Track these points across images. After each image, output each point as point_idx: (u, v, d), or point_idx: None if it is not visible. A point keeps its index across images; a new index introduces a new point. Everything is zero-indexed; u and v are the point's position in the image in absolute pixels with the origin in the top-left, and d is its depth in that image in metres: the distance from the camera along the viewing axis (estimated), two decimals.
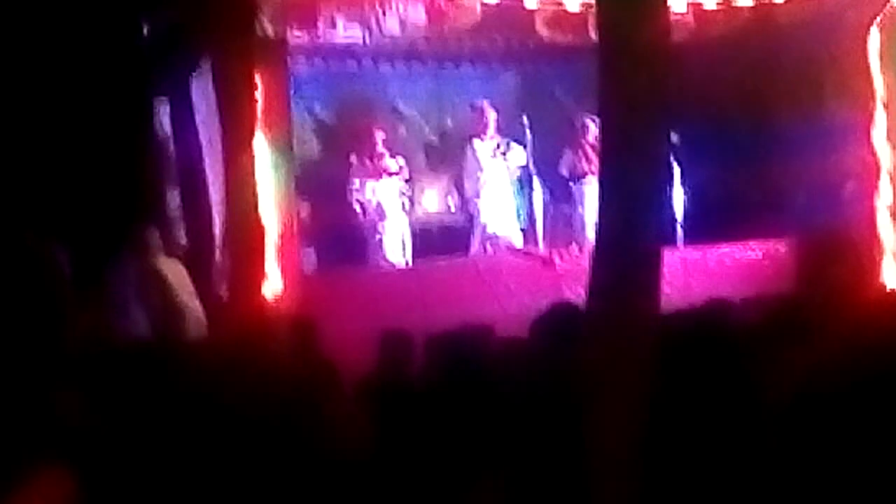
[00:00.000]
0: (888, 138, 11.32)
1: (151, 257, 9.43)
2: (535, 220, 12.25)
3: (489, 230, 12.63)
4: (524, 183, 12.71)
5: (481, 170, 12.68)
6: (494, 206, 12.69)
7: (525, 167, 12.55)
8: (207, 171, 9.75)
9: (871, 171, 11.37)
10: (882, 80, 11.28)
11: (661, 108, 4.30)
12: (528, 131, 12.43)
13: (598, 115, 4.56)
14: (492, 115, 12.75)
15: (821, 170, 11.24)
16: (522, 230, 12.76)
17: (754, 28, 11.32)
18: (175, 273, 9.46)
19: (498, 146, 12.68)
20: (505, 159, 12.66)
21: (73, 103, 9.67)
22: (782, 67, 11.69)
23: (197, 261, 9.73)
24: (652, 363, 4.30)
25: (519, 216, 12.81)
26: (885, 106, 11.29)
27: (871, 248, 11.26)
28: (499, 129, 12.77)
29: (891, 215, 11.36)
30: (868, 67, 11.27)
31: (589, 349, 4.30)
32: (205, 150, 9.76)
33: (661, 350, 4.54)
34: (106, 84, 9.70)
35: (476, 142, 12.73)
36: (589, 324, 4.35)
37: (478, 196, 12.72)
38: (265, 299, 9.31)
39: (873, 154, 11.35)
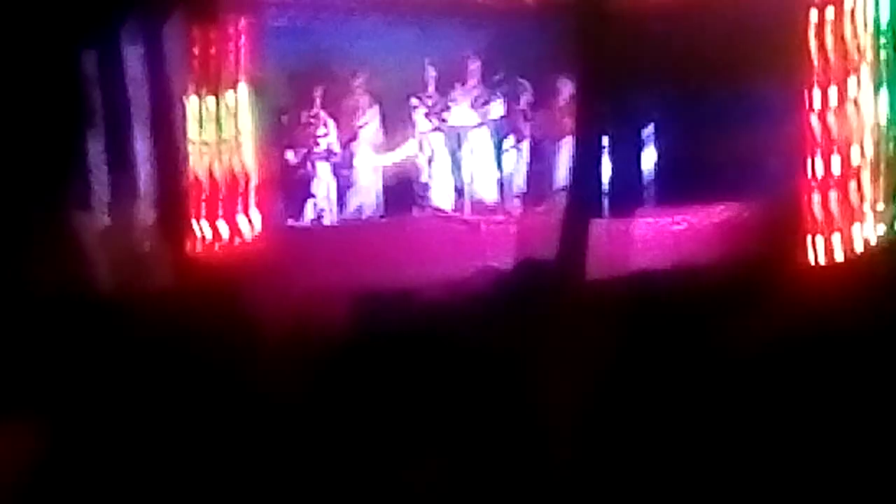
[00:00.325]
0: (820, 115, 11.35)
1: (75, 211, 9.36)
2: (463, 185, 12.29)
3: (427, 192, 12.72)
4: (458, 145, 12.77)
5: (417, 130, 12.76)
6: (433, 167, 12.80)
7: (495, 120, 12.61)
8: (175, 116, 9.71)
9: (805, 146, 11.42)
10: (818, 57, 11.31)
11: (632, 72, 4.37)
12: (503, 88, 12.46)
13: (571, 76, 4.62)
14: (476, 65, 12.78)
15: (756, 143, 11.29)
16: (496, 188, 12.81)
17: None
18: (98, 228, 9.41)
19: (435, 104, 12.74)
20: (442, 119, 12.74)
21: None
22: (757, 31, 11.70)
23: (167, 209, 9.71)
24: (614, 323, 4.38)
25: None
26: (819, 83, 11.32)
27: (801, 223, 11.33)
28: (480, 84, 12.80)
29: (820, 191, 11.42)
30: (824, 42, 11.31)
31: (551, 308, 4.38)
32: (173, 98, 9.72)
33: (625, 312, 4.62)
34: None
35: (413, 100, 12.79)
36: (523, 288, 4.42)
37: (416, 157, 12.80)
38: (240, 245, 9.32)
39: (809, 130, 11.39)
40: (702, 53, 12.02)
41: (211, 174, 9.05)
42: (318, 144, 12.36)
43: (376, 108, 12.85)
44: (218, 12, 9.04)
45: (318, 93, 12.51)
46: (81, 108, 9.76)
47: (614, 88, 4.51)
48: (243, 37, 9.73)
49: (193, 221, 9.22)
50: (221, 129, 9.04)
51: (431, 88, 12.79)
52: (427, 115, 12.72)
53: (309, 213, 12.25)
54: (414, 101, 12.79)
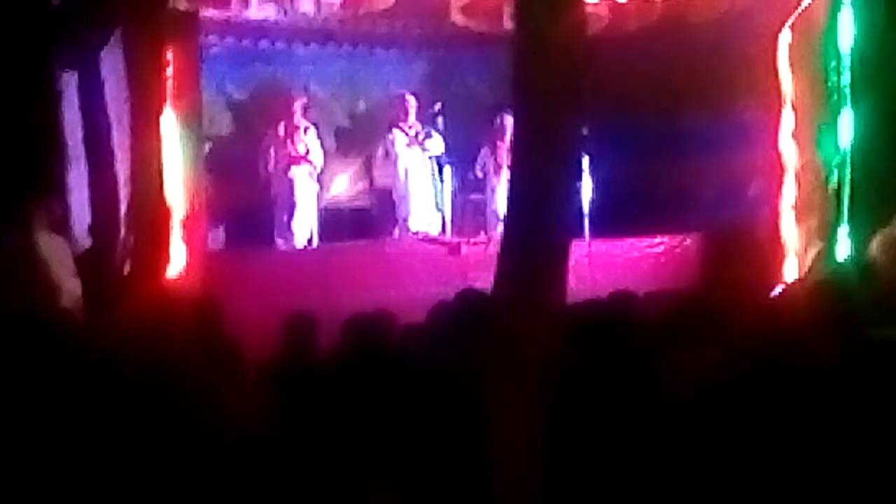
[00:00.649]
0: (794, 139, 11.45)
1: (32, 233, 9.25)
2: (444, 209, 12.28)
3: (408, 217, 12.65)
4: (435, 171, 12.76)
5: (399, 158, 12.70)
6: (413, 193, 12.70)
7: (437, 156, 12.61)
8: (115, 147, 9.60)
9: (777, 170, 11.50)
10: (791, 81, 11.41)
11: (574, 101, 4.31)
12: (440, 119, 12.48)
13: (511, 106, 4.56)
14: (412, 103, 12.77)
15: (727, 168, 11.35)
16: (429, 217, 12.80)
17: (667, 23, 11.39)
18: (55, 250, 9.28)
19: (417, 134, 12.72)
20: (424, 148, 12.69)
21: None
22: (694, 64, 11.76)
23: (101, 237, 9.59)
24: (556, 353, 4.33)
25: (436, 204, 12.86)
26: (793, 106, 11.42)
27: (774, 248, 11.40)
28: (418, 117, 12.79)
29: (794, 215, 11.50)
30: (778, 67, 11.39)
31: (494, 338, 4.32)
32: (113, 126, 9.61)
33: (566, 341, 4.57)
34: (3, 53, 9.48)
35: (396, 130, 12.75)
36: (495, 313, 4.38)
37: (397, 184, 12.74)
38: (169, 278, 9.24)
39: (779, 154, 11.47)
40: (650, 81, 12.10)
41: (148, 201, 8.92)
42: (301, 167, 12.26)
43: (324, 133, 12.81)
44: (155, 38, 8.93)
45: (265, 118, 12.45)
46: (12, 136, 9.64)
47: (591, 111, 4.47)
48: (182, 62, 9.61)
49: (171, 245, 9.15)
50: (158, 156, 8.92)
51: (412, 117, 12.74)
52: (410, 143, 12.69)
53: (285, 238, 12.19)
54: (396, 130, 12.75)
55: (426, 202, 12.77)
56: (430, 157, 12.80)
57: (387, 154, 12.85)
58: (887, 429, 4.65)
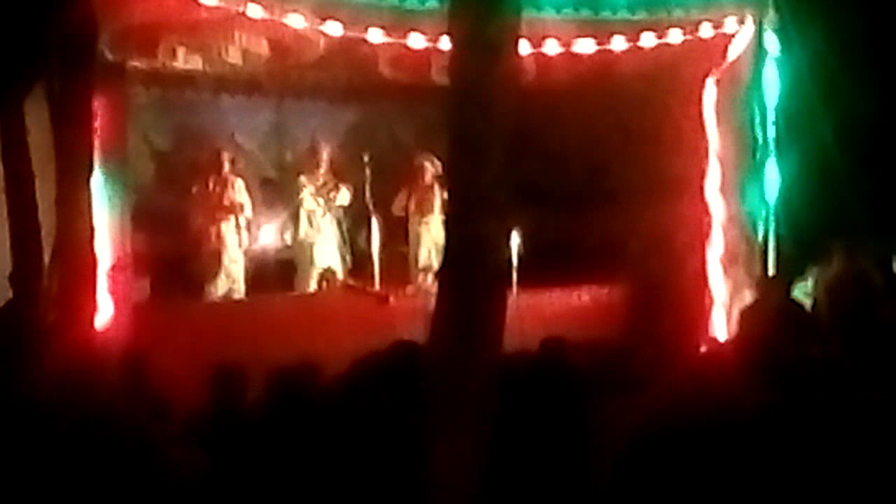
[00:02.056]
0: (721, 191, 11.57)
1: None
2: (371, 258, 12.25)
3: (319, 266, 12.63)
4: (360, 221, 12.75)
5: (303, 205, 12.70)
6: (321, 243, 12.68)
7: (361, 204, 12.61)
8: (38, 196, 9.48)
9: (703, 222, 11.61)
10: (716, 134, 11.54)
11: (506, 152, 4.33)
12: (367, 169, 12.48)
13: (445, 156, 4.56)
14: (324, 154, 12.79)
15: (654, 219, 11.43)
16: (354, 268, 12.79)
17: (594, 77, 11.46)
18: None
19: (325, 184, 12.72)
20: (329, 199, 12.70)
21: None
22: (621, 117, 11.86)
23: (22, 287, 9.46)
24: (493, 402, 4.32)
25: (343, 255, 12.84)
26: (719, 159, 11.55)
27: (701, 299, 11.49)
28: (330, 169, 12.79)
29: (721, 267, 11.60)
30: (704, 120, 11.53)
31: (431, 387, 4.30)
32: (36, 176, 9.50)
33: (499, 388, 4.56)
34: None
35: (302, 178, 12.73)
36: (431, 362, 4.36)
37: (305, 233, 12.72)
38: (95, 330, 9.12)
39: (706, 206, 11.58)
40: (576, 134, 12.18)
41: (75, 250, 8.81)
42: (228, 218, 12.19)
43: (250, 184, 12.77)
44: (82, 87, 8.85)
45: (190, 168, 12.40)
46: None
47: (495, 167, 4.45)
48: (109, 112, 9.53)
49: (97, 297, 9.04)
50: (85, 206, 8.82)
51: (324, 168, 12.73)
52: (318, 193, 12.68)
53: (212, 290, 12.10)
54: (303, 179, 12.69)
55: (329, 252, 12.75)
56: (338, 208, 12.81)
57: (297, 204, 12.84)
58: (816, 481, 4.67)
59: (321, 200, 12.72)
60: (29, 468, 4.77)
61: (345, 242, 12.95)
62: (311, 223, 12.72)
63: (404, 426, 4.68)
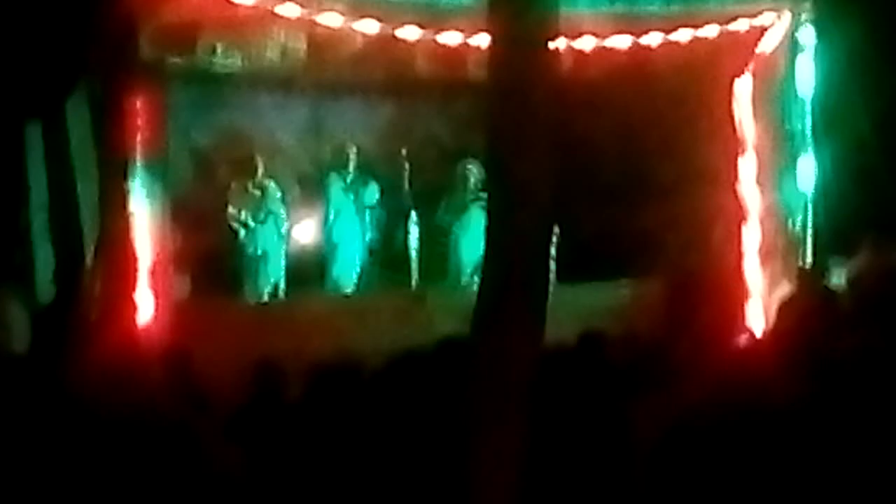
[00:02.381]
0: (757, 183, 11.55)
1: None
2: (410, 255, 12.30)
3: (348, 264, 12.68)
4: (398, 217, 12.80)
5: (333, 203, 12.76)
6: (348, 240, 12.74)
7: (398, 201, 12.65)
8: (80, 196, 9.59)
9: (740, 215, 11.60)
10: (752, 127, 11.52)
11: (546, 147, 4.37)
12: (405, 164, 12.53)
13: (484, 152, 4.61)
14: (353, 150, 12.83)
15: (691, 213, 11.44)
16: (397, 265, 12.82)
17: (629, 71, 11.47)
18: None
19: (352, 182, 12.77)
20: (357, 196, 12.75)
21: None
22: (656, 111, 11.85)
23: (65, 286, 9.57)
24: (532, 396, 4.36)
25: (370, 252, 12.89)
26: (756, 151, 11.53)
27: (738, 291, 11.48)
28: (358, 166, 12.85)
29: (758, 259, 11.59)
30: (739, 113, 11.51)
31: (472, 380, 4.35)
32: (78, 175, 9.61)
33: (538, 384, 4.60)
34: None
35: (333, 175, 12.79)
36: (473, 356, 4.40)
37: (332, 230, 12.78)
38: (137, 327, 9.20)
39: (743, 198, 11.57)
40: (613, 128, 12.18)
41: (117, 249, 8.91)
42: (266, 216, 12.27)
43: (288, 181, 12.85)
44: (123, 87, 8.94)
45: (229, 166, 12.48)
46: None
47: (535, 162, 4.47)
48: (148, 111, 9.61)
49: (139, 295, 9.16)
50: (126, 205, 8.92)
51: (351, 165, 12.80)
52: (346, 190, 12.74)
53: (251, 287, 12.18)
54: (333, 175, 12.76)
55: (352, 250, 12.80)
56: (364, 207, 12.85)
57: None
58: (859, 469, 4.69)
59: (351, 196, 12.75)
60: (74, 464, 4.84)
61: (365, 241, 12.98)
62: (333, 220, 12.77)
63: (446, 421, 4.72)
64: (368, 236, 12.93)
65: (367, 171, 12.97)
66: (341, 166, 12.88)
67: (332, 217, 12.77)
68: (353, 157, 12.87)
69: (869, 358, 5.87)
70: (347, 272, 12.67)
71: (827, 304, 9.10)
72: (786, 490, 4.76)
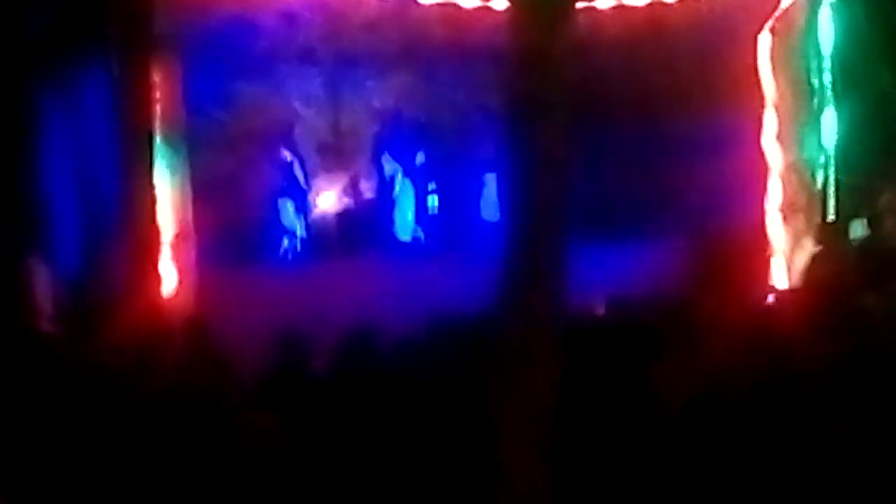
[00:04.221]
0: (778, 140, 11.50)
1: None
2: (428, 222, 12.30)
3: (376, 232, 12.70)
4: (418, 184, 12.80)
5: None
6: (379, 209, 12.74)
7: (419, 168, 12.64)
8: (101, 170, 9.59)
9: (762, 172, 11.55)
10: (773, 83, 11.46)
11: (567, 110, 4.35)
12: (425, 132, 12.53)
13: (505, 116, 4.59)
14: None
15: (712, 171, 11.39)
16: (416, 231, 12.83)
17: (648, 30, 11.41)
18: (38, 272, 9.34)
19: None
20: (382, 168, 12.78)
21: None
22: (676, 70, 11.79)
23: (89, 258, 9.60)
24: (558, 360, 4.35)
25: (400, 220, 12.89)
26: (776, 108, 11.48)
27: (761, 248, 11.45)
28: (400, 131, 12.83)
29: (781, 216, 11.55)
30: (759, 70, 11.45)
31: (498, 344, 4.35)
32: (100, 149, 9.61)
33: (566, 347, 4.60)
34: None
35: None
36: (497, 322, 4.40)
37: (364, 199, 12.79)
38: (161, 298, 9.23)
39: (763, 156, 11.53)
40: (631, 88, 12.13)
41: (139, 222, 8.93)
42: (287, 186, 12.26)
43: (308, 150, 12.85)
44: (141, 61, 8.94)
45: (246, 137, 12.47)
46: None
47: (557, 126, 4.45)
48: (166, 84, 9.61)
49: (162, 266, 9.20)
50: (148, 177, 8.95)
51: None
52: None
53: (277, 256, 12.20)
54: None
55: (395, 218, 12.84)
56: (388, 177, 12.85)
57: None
58: (884, 430, 4.67)
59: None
60: (103, 434, 4.86)
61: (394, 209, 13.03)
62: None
63: (472, 385, 4.72)
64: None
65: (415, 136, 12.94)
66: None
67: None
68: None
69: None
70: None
71: (851, 259, 9.09)
72: (814, 452, 4.76)
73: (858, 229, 10.54)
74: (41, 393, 5.13)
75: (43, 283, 9.29)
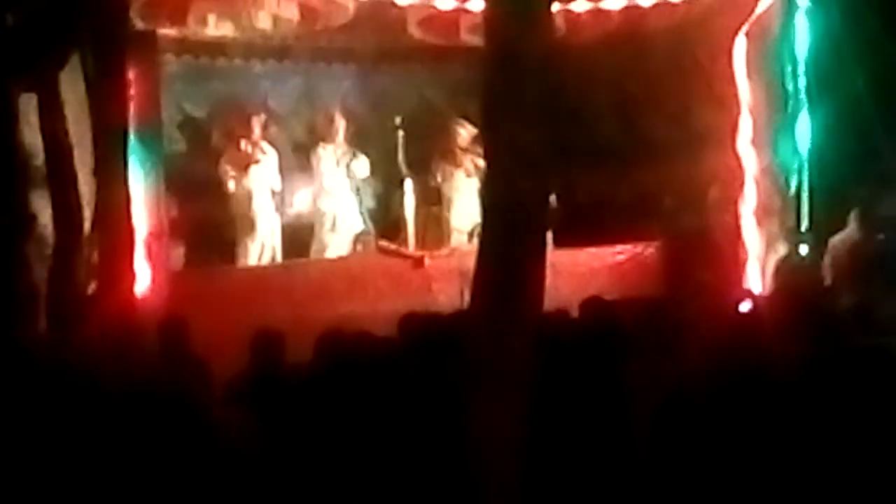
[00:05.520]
0: (753, 144, 11.54)
1: None
2: (405, 221, 12.27)
3: (343, 233, 12.61)
4: (394, 184, 12.75)
5: (324, 176, 12.65)
6: (338, 211, 12.67)
7: (394, 167, 12.60)
8: (77, 167, 9.56)
9: (736, 176, 11.59)
10: (748, 87, 11.50)
11: (540, 110, 4.35)
12: (399, 131, 12.48)
13: (480, 117, 4.60)
14: (341, 123, 12.72)
15: (687, 174, 11.43)
16: (388, 231, 12.78)
17: (623, 33, 11.44)
18: None
19: (343, 154, 12.67)
20: (347, 169, 12.64)
21: None
22: (651, 72, 11.81)
23: (64, 257, 9.56)
24: (533, 361, 4.36)
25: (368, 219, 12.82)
26: (751, 112, 11.51)
27: (735, 253, 11.49)
28: (346, 138, 12.74)
29: (755, 220, 11.59)
30: (734, 74, 11.49)
31: (473, 348, 4.35)
32: (75, 147, 9.57)
33: (540, 348, 4.60)
34: None
35: (320, 148, 12.70)
36: (473, 323, 4.41)
37: (322, 201, 12.69)
38: (135, 297, 9.21)
39: (738, 159, 11.57)
40: (607, 90, 12.16)
41: (113, 220, 8.91)
42: (262, 184, 12.20)
43: (283, 150, 12.77)
44: (115, 57, 8.92)
45: (223, 135, 12.41)
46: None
47: (532, 127, 4.46)
48: (141, 81, 9.59)
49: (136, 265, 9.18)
50: (122, 175, 8.93)
51: (341, 137, 12.70)
52: (336, 163, 12.65)
53: (247, 255, 12.11)
54: (321, 148, 12.67)
55: (343, 223, 12.73)
56: (356, 179, 12.75)
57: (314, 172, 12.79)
58: (858, 434, 4.69)
59: (341, 170, 12.65)
60: (74, 434, 4.84)
61: (377, 206, 12.96)
62: (329, 191, 12.67)
63: (449, 388, 4.72)
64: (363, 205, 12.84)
65: (358, 142, 12.86)
66: (329, 139, 12.75)
67: (323, 187, 12.67)
68: (341, 129, 12.76)
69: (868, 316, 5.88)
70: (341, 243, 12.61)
71: (825, 263, 9.14)
72: (787, 454, 4.77)
73: (833, 234, 10.61)
74: (14, 393, 5.11)
75: (19, 282, 9.28)
